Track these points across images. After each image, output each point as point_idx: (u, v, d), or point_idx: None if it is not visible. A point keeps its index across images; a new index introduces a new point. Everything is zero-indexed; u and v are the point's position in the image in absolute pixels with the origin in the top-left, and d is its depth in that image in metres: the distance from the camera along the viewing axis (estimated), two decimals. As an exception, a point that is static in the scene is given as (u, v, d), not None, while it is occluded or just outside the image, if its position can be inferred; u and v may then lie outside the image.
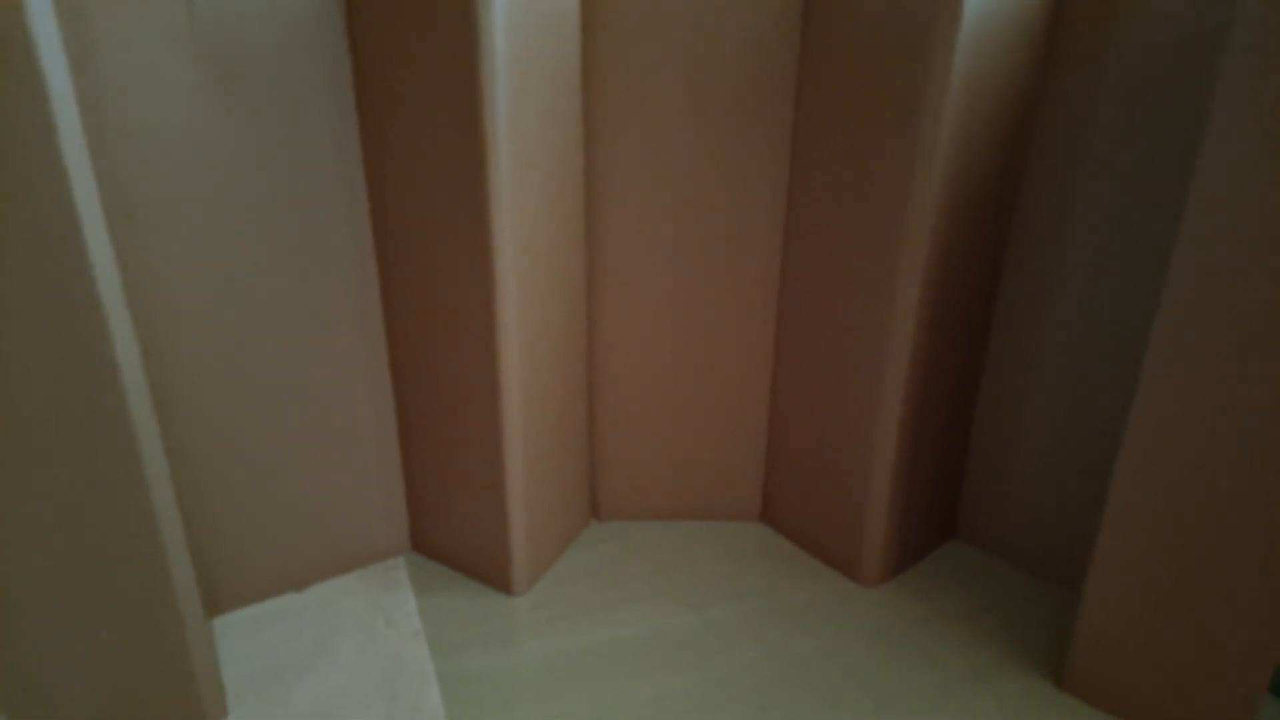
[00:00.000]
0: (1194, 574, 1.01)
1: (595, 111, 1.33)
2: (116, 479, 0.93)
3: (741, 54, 1.31)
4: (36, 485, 0.89)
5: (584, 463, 1.56)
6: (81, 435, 0.89)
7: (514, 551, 1.35)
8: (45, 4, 0.79)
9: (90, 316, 0.86)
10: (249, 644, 1.24)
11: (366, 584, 1.40)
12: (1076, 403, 1.33)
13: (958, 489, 1.54)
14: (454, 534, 1.43)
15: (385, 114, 1.18)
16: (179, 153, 1.08)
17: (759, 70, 1.32)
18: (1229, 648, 1.00)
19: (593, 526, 1.61)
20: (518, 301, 1.21)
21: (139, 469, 0.93)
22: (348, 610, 1.32)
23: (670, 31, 1.29)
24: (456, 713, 1.10)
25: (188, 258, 1.13)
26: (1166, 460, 1.00)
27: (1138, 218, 1.21)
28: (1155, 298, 1.19)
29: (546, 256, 1.28)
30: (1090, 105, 1.23)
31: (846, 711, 1.11)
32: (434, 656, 1.22)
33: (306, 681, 1.16)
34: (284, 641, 1.24)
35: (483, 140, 1.10)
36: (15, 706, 0.97)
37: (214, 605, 1.29)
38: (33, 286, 0.83)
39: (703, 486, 1.61)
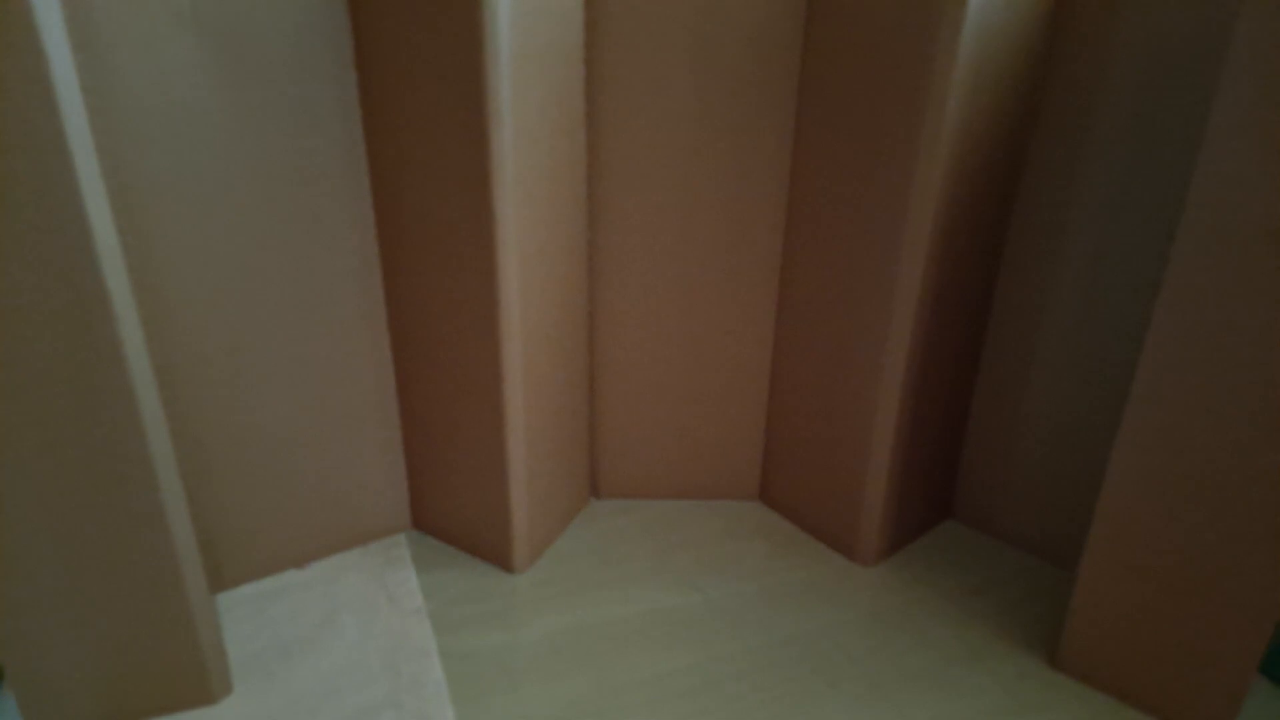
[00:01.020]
0: (1187, 555, 1.02)
1: (598, 95, 1.32)
2: (121, 457, 0.93)
3: (745, 41, 1.29)
4: (42, 465, 0.89)
5: (584, 440, 1.57)
6: (86, 415, 0.89)
7: (515, 529, 1.36)
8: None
9: (94, 297, 0.86)
10: (252, 621, 1.25)
11: (368, 561, 1.41)
12: (1075, 384, 1.34)
13: (954, 468, 1.55)
14: (455, 511, 1.44)
15: (388, 96, 1.17)
16: (182, 134, 1.07)
17: (762, 57, 1.30)
18: (1221, 629, 1.02)
19: (592, 504, 1.62)
20: (520, 282, 1.21)
21: (144, 447, 0.93)
22: (350, 587, 1.33)
23: (673, 20, 1.27)
24: (460, 690, 1.12)
25: (191, 238, 1.12)
26: (1162, 443, 1.01)
27: (1140, 203, 1.21)
28: (1155, 283, 1.20)
29: (549, 238, 1.27)
30: (1093, 97, 1.22)
31: (845, 691, 1.13)
32: (437, 634, 1.23)
33: (310, 659, 1.17)
34: (287, 618, 1.25)
35: (486, 122, 1.09)
36: (21, 684, 0.98)
37: (216, 582, 1.30)
38: (37, 267, 0.83)
39: (702, 465, 1.62)
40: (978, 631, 1.26)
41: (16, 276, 0.82)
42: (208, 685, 1.07)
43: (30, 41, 0.76)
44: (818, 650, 1.21)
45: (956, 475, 1.56)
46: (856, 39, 1.21)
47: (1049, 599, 1.34)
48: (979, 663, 1.20)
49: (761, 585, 1.37)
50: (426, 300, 1.28)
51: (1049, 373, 1.37)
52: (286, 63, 1.12)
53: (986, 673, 1.18)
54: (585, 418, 1.55)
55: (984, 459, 1.51)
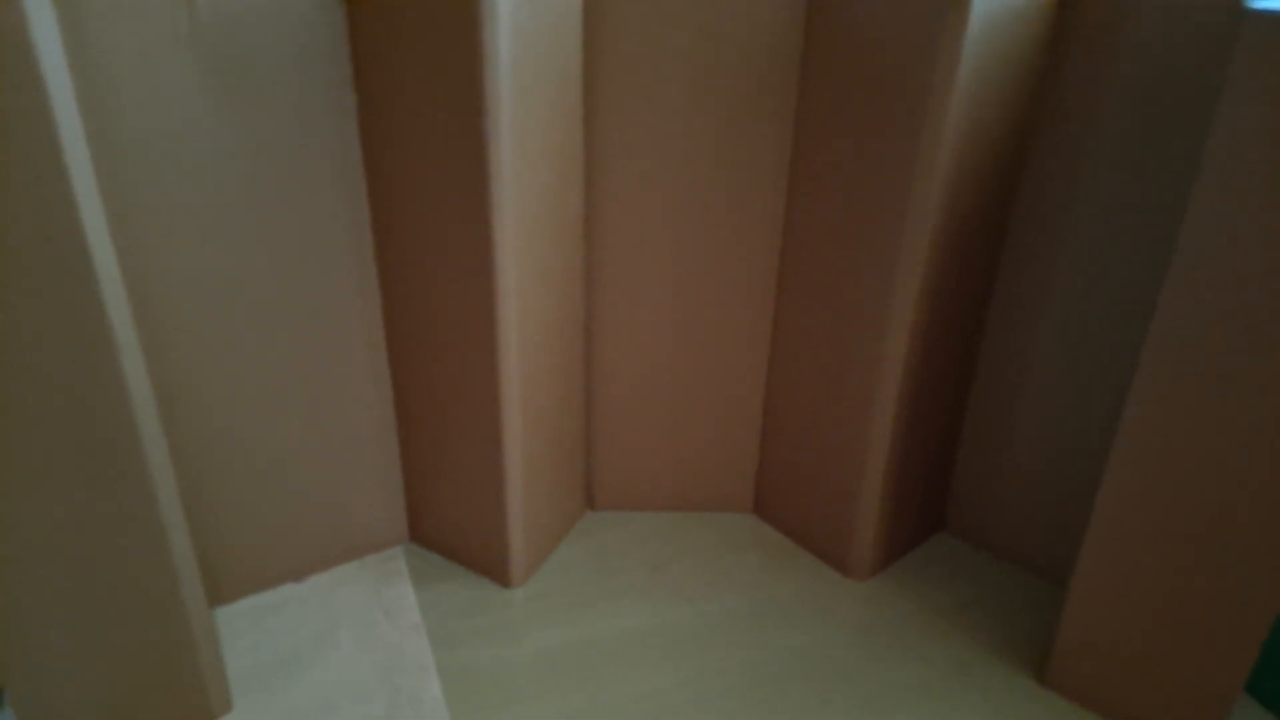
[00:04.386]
0: (1177, 574, 1.04)
1: (596, 110, 1.33)
2: (119, 474, 0.93)
3: (744, 55, 1.30)
4: (39, 483, 0.90)
5: (581, 452, 1.58)
6: (84, 434, 0.90)
7: (512, 544, 1.37)
8: (44, 4, 0.77)
9: (93, 317, 0.86)
10: (250, 636, 1.25)
11: (365, 575, 1.42)
12: (1069, 400, 1.36)
13: (947, 481, 1.57)
14: (452, 525, 1.45)
15: (386, 113, 1.17)
16: (181, 154, 1.07)
17: (761, 69, 1.31)
18: (1208, 647, 1.04)
19: (588, 516, 1.64)
20: (517, 296, 1.21)
21: (142, 464, 0.94)
22: (347, 602, 1.34)
23: (672, 32, 1.28)
24: (458, 706, 1.13)
25: (189, 257, 1.12)
26: (1157, 461, 1.02)
27: (1137, 218, 1.22)
28: (1152, 299, 1.20)
29: (546, 252, 1.28)
30: (1092, 109, 1.23)
31: (837, 707, 1.15)
32: (434, 649, 1.24)
33: (308, 674, 1.18)
34: (285, 633, 1.26)
35: (484, 139, 1.09)
36: (22, 702, 0.99)
37: (213, 596, 1.30)
38: (33, 288, 0.83)
39: (697, 478, 1.63)
40: (968, 646, 1.28)
41: (12, 298, 0.82)
42: (207, 703, 1.08)
43: (27, 65, 0.76)
44: (811, 665, 1.23)
45: (949, 488, 1.58)
46: (855, 61, 1.22)
47: (1039, 614, 1.36)
48: (969, 678, 1.21)
49: (755, 599, 1.38)
50: (424, 315, 1.29)
51: (1043, 387, 1.39)
52: (286, 84, 1.12)
53: (976, 689, 1.19)
54: (582, 430, 1.56)
55: (977, 472, 1.52)
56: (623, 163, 1.37)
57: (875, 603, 1.38)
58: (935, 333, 1.31)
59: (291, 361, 1.27)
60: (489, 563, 1.41)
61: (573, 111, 1.29)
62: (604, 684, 1.18)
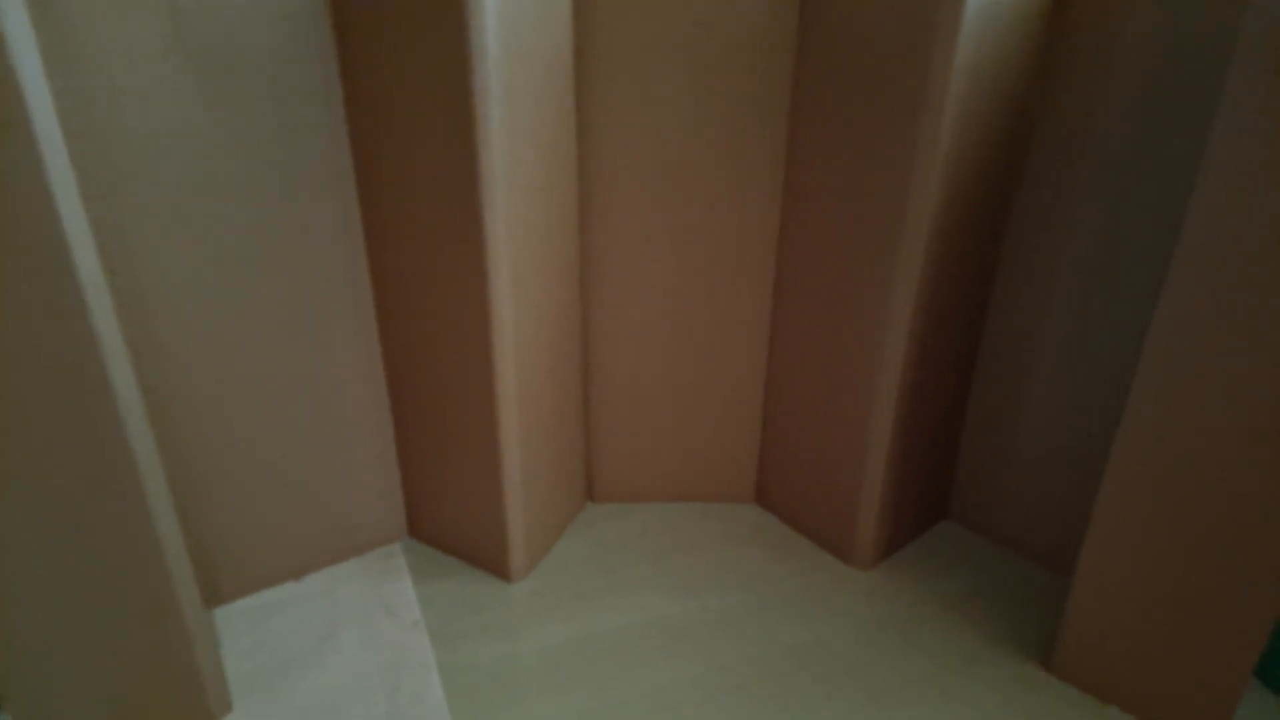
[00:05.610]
0: (1182, 561, 1.03)
1: (588, 105, 1.31)
2: (111, 480, 0.92)
3: (738, 46, 1.28)
4: (31, 486, 0.89)
5: (580, 445, 1.57)
6: (73, 435, 0.88)
7: (511, 539, 1.36)
8: (16, 5, 0.75)
9: (76, 318, 0.85)
10: (250, 636, 1.24)
11: (365, 572, 1.41)
12: (1071, 388, 1.34)
13: (951, 469, 1.55)
14: (451, 521, 1.44)
15: (375, 111, 1.15)
16: (168, 154, 1.05)
17: (756, 60, 1.29)
18: (1216, 634, 1.03)
19: (589, 508, 1.62)
20: (512, 288, 1.20)
21: (132, 466, 0.92)
22: (348, 600, 1.33)
23: (664, 24, 1.26)
24: (460, 705, 1.12)
25: (180, 258, 1.11)
26: (1160, 450, 1.01)
27: (1138, 212, 1.20)
28: (1153, 288, 1.20)
29: (541, 244, 1.26)
30: (1091, 101, 1.21)
31: (842, 700, 1.14)
32: (435, 647, 1.23)
33: (310, 674, 1.17)
34: (285, 633, 1.25)
35: (474, 136, 1.07)
36: (21, 707, 0.98)
37: (213, 597, 1.29)
38: (18, 294, 0.81)
39: (698, 468, 1.62)
40: (973, 636, 1.27)
41: None
42: (207, 705, 1.07)
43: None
44: (815, 659, 1.22)
45: (953, 476, 1.56)
46: (850, 54, 1.20)
47: (1044, 603, 1.34)
48: (974, 668, 1.20)
49: (759, 592, 1.37)
50: (418, 312, 1.27)
51: (1046, 375, 1.37)
52: (273, 82, 1.10)
53: (982, 679, 1.18)
54: (580, 422, 1.55)
55: (980, 462, 1.51)
56: (616, 157, 1.35)
57: (879, 593, 1.37)
58: (937, 321, 1.29)
59: (286, 360, 1.25)
60: (489, 558, 1.40)
61: (564, 107, 1.26)
62: (607, 680, 1.17)
